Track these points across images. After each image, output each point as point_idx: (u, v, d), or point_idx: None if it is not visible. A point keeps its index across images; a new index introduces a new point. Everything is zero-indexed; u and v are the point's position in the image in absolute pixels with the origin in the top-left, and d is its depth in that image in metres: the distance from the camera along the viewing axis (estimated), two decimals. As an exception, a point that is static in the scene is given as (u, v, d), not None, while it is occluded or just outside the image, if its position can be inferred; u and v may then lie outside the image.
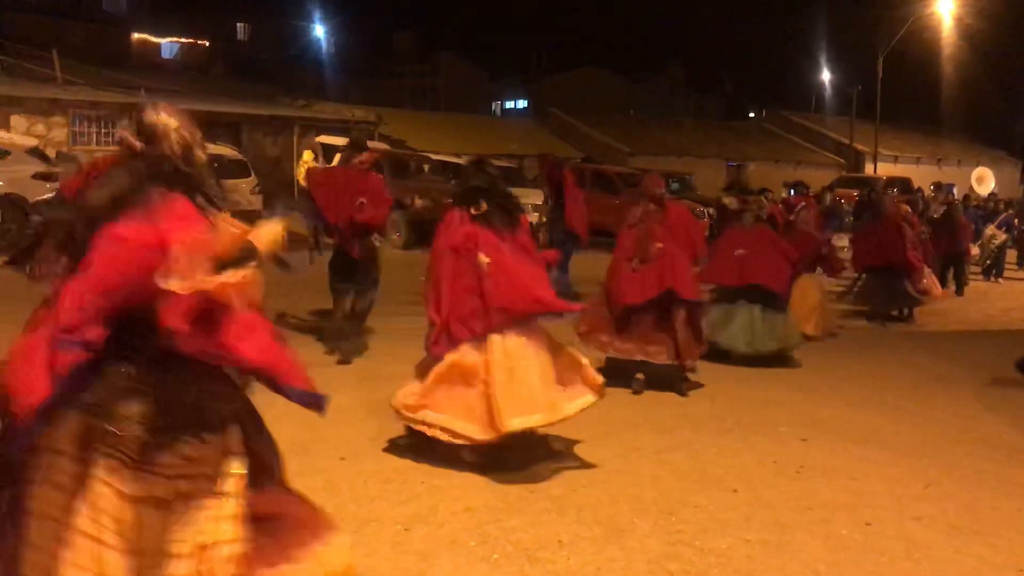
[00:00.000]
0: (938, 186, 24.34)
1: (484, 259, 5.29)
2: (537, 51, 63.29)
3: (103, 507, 2.61)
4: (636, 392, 7.55)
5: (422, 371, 5.51)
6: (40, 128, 20.18)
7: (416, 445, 5.73)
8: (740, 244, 9.14)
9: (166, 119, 3.07)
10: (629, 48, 70.33)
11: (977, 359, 9.99)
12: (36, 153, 14.01)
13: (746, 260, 9.02)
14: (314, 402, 3.10)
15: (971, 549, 4.69)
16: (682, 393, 7.64)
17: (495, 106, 62.06)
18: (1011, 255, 20.40)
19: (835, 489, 5.48)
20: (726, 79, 60.78)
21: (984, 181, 24.43)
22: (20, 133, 18.10)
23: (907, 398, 8.14)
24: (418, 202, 16.95)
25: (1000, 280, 19.09)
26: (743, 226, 9.39)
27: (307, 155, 8.16)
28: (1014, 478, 5.97)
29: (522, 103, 62.37)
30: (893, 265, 12.02)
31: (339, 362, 8.05)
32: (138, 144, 3.03)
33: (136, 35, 43.18)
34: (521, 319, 5.28)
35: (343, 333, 8.35)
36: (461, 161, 20.62)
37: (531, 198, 19.51)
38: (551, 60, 61.31)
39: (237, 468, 2.86)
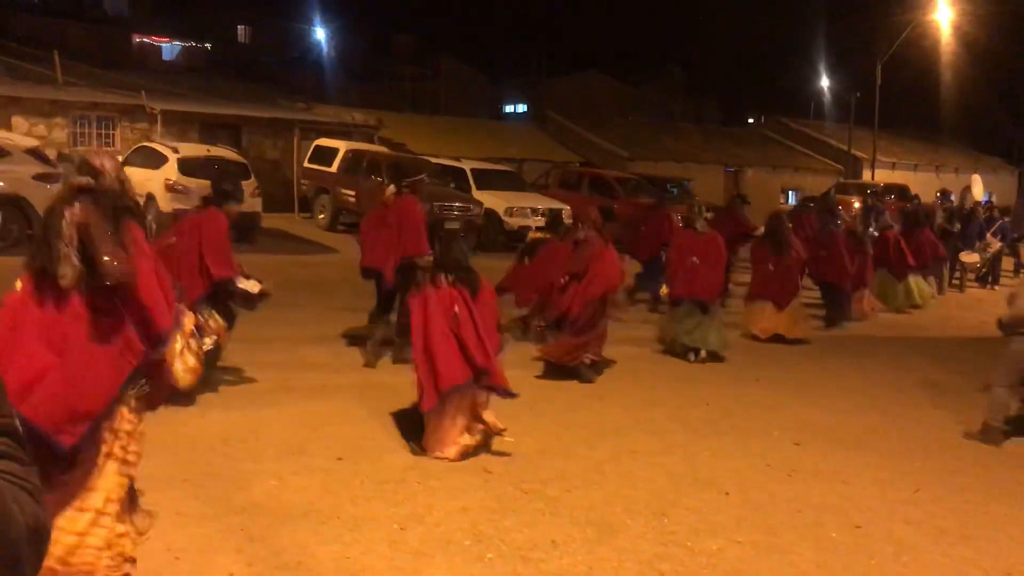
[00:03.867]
0: (944, 193, 24.55)
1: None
2: (537, 55, 63.29)
3: None
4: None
5: None
6: (41, 129, 20.20)
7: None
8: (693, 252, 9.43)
9: (109, 164, 3.75)
10: (629, 53, 70.26)
11: (970, 365, 10.05)
12: (36, 154, 14.03)
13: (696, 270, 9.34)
14: None
15: (959, 552, 4.77)
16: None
17: (494, 110, 62.09)
18: (1008, 262, 20.48)
19: (826, 492, 5.55)
20: (724, 85, 60.88)
21: (970, 189, 24.51)
22: (21, 134, 18.11)
23: (900, 403, 8.21)
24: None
25: (996, 287, 19.17)
26: (695, 232, 9.59)
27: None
28: (1002, 483, 6.04)
29: (522, 107, 62.41)
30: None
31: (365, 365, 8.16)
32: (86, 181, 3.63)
33: (137, 37, 43.24)
34: None
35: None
36: (461, 165, 20.66)
37: (531, 201, 19.62)
38: (551, 64, 61.35)
39: None
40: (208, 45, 45.68)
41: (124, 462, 3.56)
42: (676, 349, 9.37)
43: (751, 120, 52.36)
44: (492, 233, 18.70)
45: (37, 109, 20.44)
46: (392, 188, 8.55)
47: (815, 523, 5.02)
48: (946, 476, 6.08)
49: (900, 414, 7.81)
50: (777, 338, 10.62)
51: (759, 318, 10.81)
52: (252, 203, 16.22)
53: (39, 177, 13.28)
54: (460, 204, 17.80)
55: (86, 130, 21.16)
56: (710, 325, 9.31)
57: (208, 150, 17.04)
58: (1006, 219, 20.46)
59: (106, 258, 3.41)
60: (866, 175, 34.42)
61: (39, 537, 1.19)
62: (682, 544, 4.60)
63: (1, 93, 20.15)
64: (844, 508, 5.29)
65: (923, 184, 31.59)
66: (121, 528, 3.52)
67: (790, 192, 33.85)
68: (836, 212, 13.77)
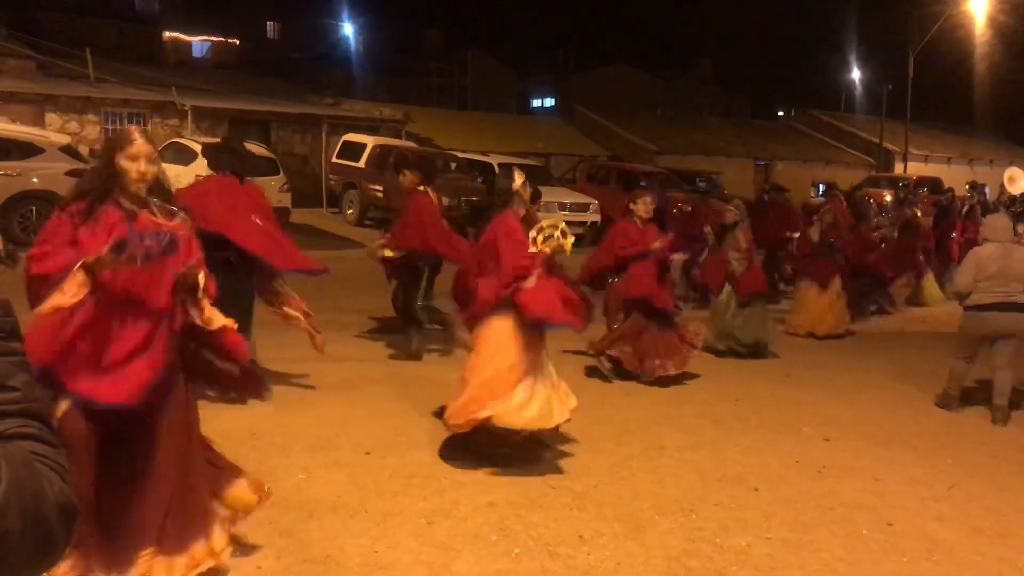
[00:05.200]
0: (973, 185, 24.23)
1: None
2: (565, 49, 63.17)
3: None
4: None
5: None
6: (73, 126, 20.46)
7: (439, 440, 5.81)
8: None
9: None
10: (657, 46, 70.08)
11: (1005, 361, 9.89)
12: (69, 151, 14.21)
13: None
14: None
15: (993, 551, 4.69)
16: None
17: (522, 104, 62.04)
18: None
19: (857, 489, 5.49)
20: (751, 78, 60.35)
21: (1016, 180, 24.12)
22: (54, 130, 18.35)
23: (932, 400, 8.10)
24: (444, 200, 16.99)
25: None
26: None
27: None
28: (1039, 481, 5.94)
29: (549, 101, 62.30)
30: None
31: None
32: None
33: (168, 34, 43.70)
34: None
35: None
36: (488, 159, 20.65)
37: (559, 196, 19.57)
38: (578, 58, 61.24)
39: None
40: (237, 41, 46.03)
41: None
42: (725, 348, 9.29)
43: (780, 113, 51.92)
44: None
45: (70, 106, 20.70)
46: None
47: (846, 520, 4.96)
48: (980, 473, 5.99)
49: (932, 411, 7.70)
50: (809, 334, 10.61)
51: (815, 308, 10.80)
52: (281, 198, 16.32)
53: (72, 173, 13.43)
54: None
55: (118, 126, 21.39)
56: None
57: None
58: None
59: None
60: (898, 168, 34.02)
61: (69, 515, 1.29)
62: (711, 540, 4.57)
63: (35, 90, 20.44)
64: (875, 505, 5.22)
65: (957, 177, 31.15)
66: None
67: (820, 186, 33.56)
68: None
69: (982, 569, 4.48)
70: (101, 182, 3.49)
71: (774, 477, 5.61)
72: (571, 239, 5.47)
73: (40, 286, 3.26)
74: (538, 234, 5.40)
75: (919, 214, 14.32)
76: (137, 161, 3.45)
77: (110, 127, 21.24)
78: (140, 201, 3.49)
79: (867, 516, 5.03)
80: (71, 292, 3.16)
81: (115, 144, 3.52)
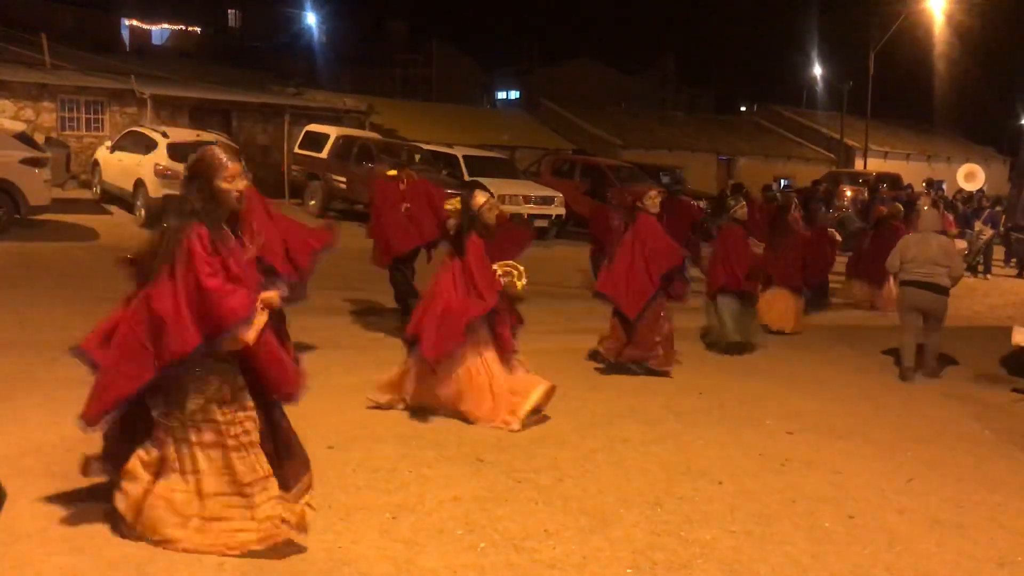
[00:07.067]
0: (929, 182, 24.60)
1: None
2: (530, 42, 63.24)
3: None
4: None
5: None
6: (28, 113, 20.02)
7: (404, 435, 5.77)
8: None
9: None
10: (622, 41, 70.34)
11: (963, 355, 10.06)
12: (24, 138, 13.89)
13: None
14: None
15: (952, 542, 4.76)
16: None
17: (487, 96, 61.95)
18: (999, 252, 20.51)
19: (819, 482, 5.54)
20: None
21: (974, 177, 24.52)
22: (8, 118, 17.94)
23: (892, 393, 8.21)
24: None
25: (988, 276, 19.20)
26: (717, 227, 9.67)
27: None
28: (995, 473, 6.04)
29: (514, 94, 62.25)
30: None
31: None
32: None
33: (127, 20, 42.93)
34: None
35: None
36: (453, 152, 20.56)
37: (523, 189, 19.55)
38: (544, 51, 61.28)
39: None
40: (198, 29, 45.38)
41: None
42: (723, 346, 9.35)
43: (743, 108, 52.37)
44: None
45: (25, 93, 20.25)
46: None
47: (808, 513, 5.00)
48: (939, 466, 6.08)
49: (892, 405, 7.80)
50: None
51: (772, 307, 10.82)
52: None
53: (26, 162, 13.14)
54: (452, 192, 17.72)
55: (75, 114, 21.00)
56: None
57: (198, 135, 16.89)
58: (999, 208, 20.48)
59: None
60: (858, 164, 34.45)
61: None
62: (675, 534, 4.58)
63: (-12, 76, 19.96)
64: (837, 498, 5.27)
65: (915, 173, 31.66)
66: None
67: (782, 181, 33.92)
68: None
69: (942, 560, 4.54)
70: (211, 207, 3.77)
71: (738, 470, 5.64)
72: (524, 282, 6.25)
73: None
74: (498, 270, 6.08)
75: (901, 209, 14.41)
76: (235, 182, 3.80)
77: (66, 115, 20.83)
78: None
79: (829, 509, 5.08)
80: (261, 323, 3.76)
81: (210, 170, 3.81)
